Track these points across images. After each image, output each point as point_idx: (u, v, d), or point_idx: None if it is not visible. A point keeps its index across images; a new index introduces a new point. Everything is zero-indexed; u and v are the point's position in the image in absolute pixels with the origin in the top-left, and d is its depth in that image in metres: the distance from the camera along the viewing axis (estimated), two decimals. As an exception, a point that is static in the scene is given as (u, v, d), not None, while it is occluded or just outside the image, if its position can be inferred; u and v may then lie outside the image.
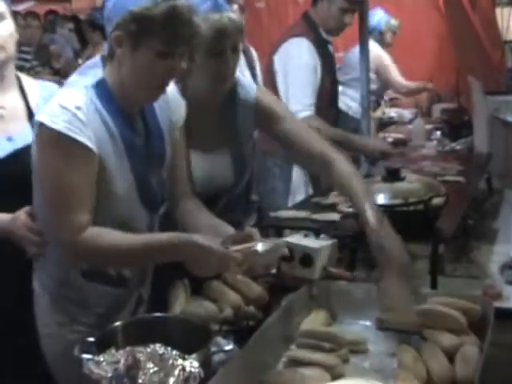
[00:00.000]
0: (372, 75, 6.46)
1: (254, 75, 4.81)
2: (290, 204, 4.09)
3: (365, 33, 4.71)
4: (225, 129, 2.79)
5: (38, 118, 2.21)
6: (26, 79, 2.85)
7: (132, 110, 2.35)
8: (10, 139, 2.64)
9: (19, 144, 2.60)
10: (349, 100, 6.08)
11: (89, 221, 2.21)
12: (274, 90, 4.18)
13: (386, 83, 6.91)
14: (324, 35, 4.36)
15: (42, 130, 2.19)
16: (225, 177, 2.81)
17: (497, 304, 2.25)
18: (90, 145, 2.19)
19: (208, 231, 2.37)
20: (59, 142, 2.17)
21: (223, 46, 2.55)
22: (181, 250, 2.20)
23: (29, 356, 2.49)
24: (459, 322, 2.13)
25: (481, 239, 3.18)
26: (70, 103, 2.18)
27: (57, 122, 2.15)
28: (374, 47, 6.55)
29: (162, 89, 2.30)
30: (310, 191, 4.28)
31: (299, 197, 4.16)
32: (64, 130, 2.15)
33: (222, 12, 2.53)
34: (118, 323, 2.09)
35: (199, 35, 2.27)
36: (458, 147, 4.84)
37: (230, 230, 2.40)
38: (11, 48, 2.71)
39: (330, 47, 4.46)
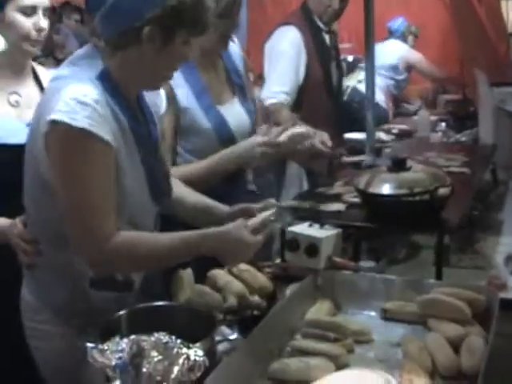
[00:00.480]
0: (401, 65, 6.67)
1: None
2: (283, 198, 4.08)
3: (370, 28, 4.63)
4: (230, 79, 3.10)
5: (52, 117, 2.00)
6: (40, 69, 2.89)
7: (132, 99, 2.25)
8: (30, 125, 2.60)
9: None
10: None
11: (116, 225, 2.08)
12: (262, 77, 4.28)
13: (421, 74, 7.15)
14: (320, 24, 4.32)
15: (58, 129, 2.00)
16: (244, 124, 3.07)
17: (502, 295, 2.24)
18: (110, 141, 2.04)
19: (198, 210, 2.45)
20: (82, 140, 2.01)
21: (233, 8, 2.84)
22: (217, 245, 2.13)
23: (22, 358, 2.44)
24: (464, 312, 2.14)
25: (486, 230, 3.17)
26: (87, 97, 2.02)
27: (77, 118, 1.99)
28: (401, 46, 7.03)
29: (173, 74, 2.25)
30: (305, 185, 4.26)
31: (293, 190, 4.12)
32: (87, 126, 1.99)
33: None
34: (122, 312, 2.08)
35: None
36: (463, 138, 4.84)
37: (222, 208, 2.44)
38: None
39: (327, 36, 4.40)
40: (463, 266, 2.79)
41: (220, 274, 2.47)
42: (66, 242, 2.13)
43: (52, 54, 8.58)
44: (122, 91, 2.16)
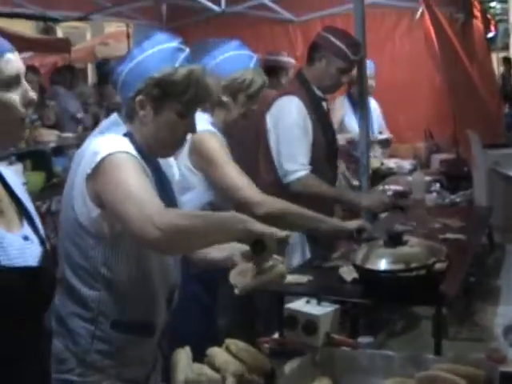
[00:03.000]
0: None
1: None
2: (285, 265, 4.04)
3: (363, 93, 4.69)
4: None
5: (102, 154, 2.28)
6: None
7: (153, 160, 2.56)
8: (26, 238, 1.97)
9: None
10: None
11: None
12: (266, 148, 4.22)
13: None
14: (317, 92, 4.29)
15: (107, 159, 2.28)
16: None
17: (502, 368, 2.23)
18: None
19: None
20: (127, 159, 2.31)
21: (261, 91, 3.39)
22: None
23: None
24: (464, 389, 2.12)
25: (484, 299, 3.15)
26: (120, 137, 2.42)
27: (121, 147, 2.33)
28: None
29: (182, 145, 2.59)
30: (307, 253, 4.21)
31: (295, 259, 4.08)
32: (129, 150, 2.34)
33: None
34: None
35: (213, 95, 2.62)
36: (458, 199, 4.84)
37: None
38: None
39: (324, 104, 4.41)
40: (462, 338, 2.77)
41: (218, 353, 2.45)
42: (97, 282, 2.42)
43: (41, 119, 8.61)
44: (144, 150, 2.47)
